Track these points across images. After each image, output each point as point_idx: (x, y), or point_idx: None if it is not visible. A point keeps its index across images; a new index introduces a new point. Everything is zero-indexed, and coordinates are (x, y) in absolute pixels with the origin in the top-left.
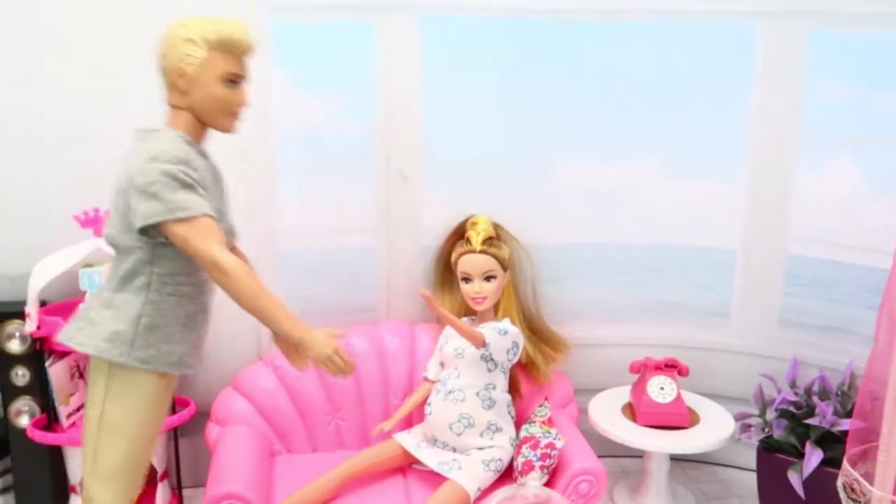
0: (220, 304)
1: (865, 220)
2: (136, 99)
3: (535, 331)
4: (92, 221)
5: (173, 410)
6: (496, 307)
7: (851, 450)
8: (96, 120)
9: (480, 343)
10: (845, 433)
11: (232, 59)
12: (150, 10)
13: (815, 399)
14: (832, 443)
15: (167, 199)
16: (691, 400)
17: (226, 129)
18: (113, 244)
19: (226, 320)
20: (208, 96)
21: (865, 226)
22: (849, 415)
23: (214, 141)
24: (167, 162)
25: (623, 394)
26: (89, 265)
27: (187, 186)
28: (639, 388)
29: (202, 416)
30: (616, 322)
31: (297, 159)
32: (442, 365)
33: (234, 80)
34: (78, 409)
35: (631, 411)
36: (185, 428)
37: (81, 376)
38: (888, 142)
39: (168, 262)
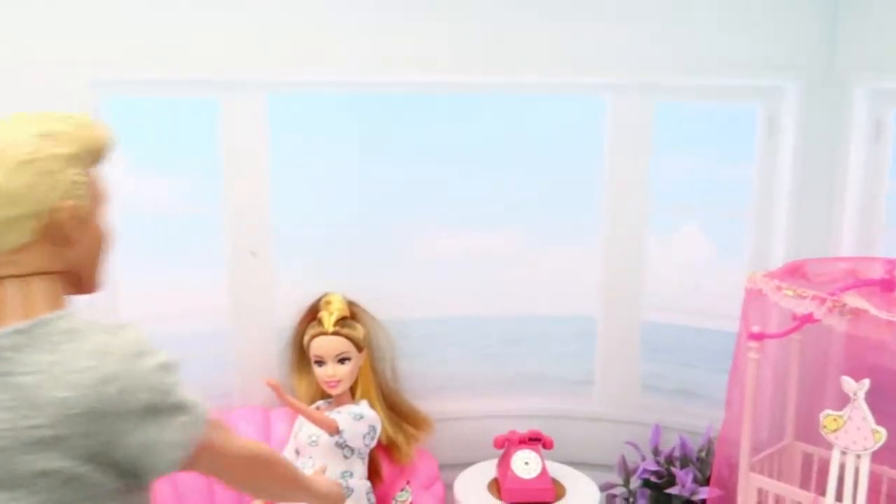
0: None
1: (712, 286)
2: None
3: (396, 409)
4: None
5: None
6: (353, 388)
7: None
8: None
9: (333, 430)
10: (704, 501)
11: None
12: None
13: (675, 468)
14: None
15: (190, 404)
16: (557, 471)
17: (98, 287)
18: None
19: None
20: (95, 239)
21: (712, 292)
22: (708, 482)
23: None
24: (152, 350)
25: (490, 468)
26: None
27: None
28: (504, 463)
29: None
30: (480, 395)
31: (139, 243)
32: (297, 453)
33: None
34: None
35: (498, 488)
36: None
37: None
38: (731, 212)
39: None
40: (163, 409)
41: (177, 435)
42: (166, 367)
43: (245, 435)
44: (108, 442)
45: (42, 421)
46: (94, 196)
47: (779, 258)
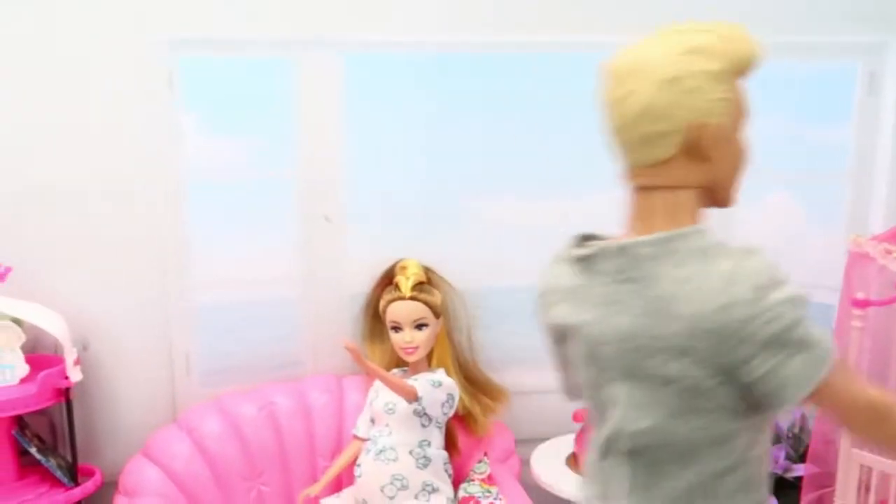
0: (126, 356)
1: (807, 255)
2: (29, 146)
3: (472, 380)
4: None
5: (76, 481)
6: (429, 357)
7: (807, 496)
8: None
9: (412, 397)
10: (800, 479)
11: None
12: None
13: None
14: (787, 489)
15: (815, 341)
16: None
17: (731, 203)
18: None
19: (135, 378)
20: (734, 156)
21: (807, 261)
22: (802, 459)
23: (111, 183)
24: (781, 282)
25: (568, 443)
26: None
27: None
28: (583, 437)
29: (109, 487)
30: None
31: (212, 207)
32: (372, 421)
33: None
34: None
35: (576, 462)
36: (91, 501)
37: None
38: (824, 176)
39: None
40: (786, 342)
41: (798, 371)
42: (793, 301)
43: (318, 402)
44: (733, 363)
45: (673, 332)
46: (737, 113)
47: (878, 224)
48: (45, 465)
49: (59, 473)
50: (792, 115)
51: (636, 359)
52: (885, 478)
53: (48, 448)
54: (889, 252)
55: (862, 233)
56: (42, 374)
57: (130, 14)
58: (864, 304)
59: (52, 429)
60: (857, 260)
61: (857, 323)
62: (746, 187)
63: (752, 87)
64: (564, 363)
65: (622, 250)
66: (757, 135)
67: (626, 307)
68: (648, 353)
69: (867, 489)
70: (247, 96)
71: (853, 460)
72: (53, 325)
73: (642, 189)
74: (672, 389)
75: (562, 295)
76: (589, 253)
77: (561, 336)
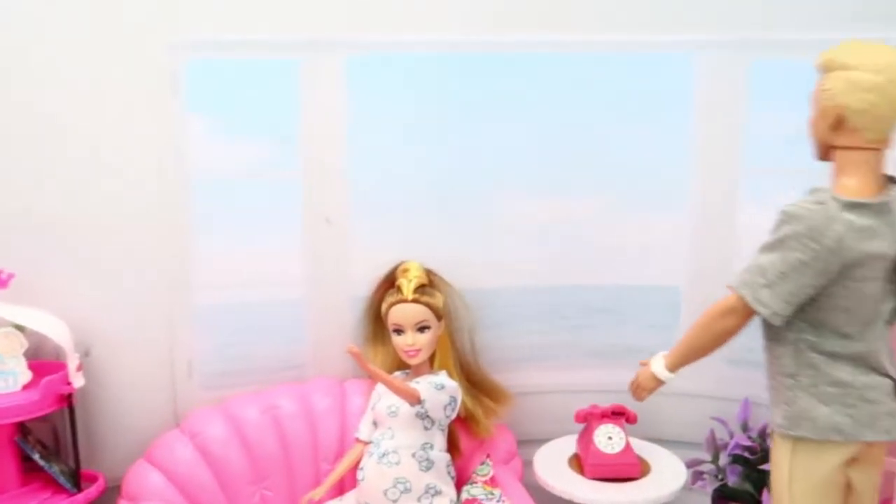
0: (128, 361)
1: None
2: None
3: (475, 382)
4: None
5: (79, 487)
6: (431, 359)
7: None
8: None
9: (415, 400)
10: None
11: None
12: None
13: (769, 442)
14: None
15: None
16: (641, 448)
17: None
18: None
19: (137, 382)
20: None
21: None
22: None
23: (114, 187)
24: None
25: (570, 444)
26: None
27: None
28: (585, 438)
29: (112, 493)
30: (560, 368)
31: (215, 209)
32: (375, 424)
33: None
34: None
35: (578, 463)
36: None
37: None
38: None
39: None
40: None
41: None
42: None
43: (321, 405)
44: None
45: None
46: None
47: None
48: (49, 471)
49: (62, 479)
50: (799, 112)
51: None
52: (889, 476)
53: (51, 454)
54: None
55: None
56: (45, 380)
57: (136, 17)
58: None
59: (55, 435)
60: None
61: None
62: (754, 186)
63: (761, 85)
64: (812, 283)
65: None
66: (763, 133)
67: None
68: None
69: None
70: (251, 98)
71: None
72: (55, 331)
73: (880, 151)
74: None
75: (869, 233)
76: (885, 200)
77: (859, 263)
